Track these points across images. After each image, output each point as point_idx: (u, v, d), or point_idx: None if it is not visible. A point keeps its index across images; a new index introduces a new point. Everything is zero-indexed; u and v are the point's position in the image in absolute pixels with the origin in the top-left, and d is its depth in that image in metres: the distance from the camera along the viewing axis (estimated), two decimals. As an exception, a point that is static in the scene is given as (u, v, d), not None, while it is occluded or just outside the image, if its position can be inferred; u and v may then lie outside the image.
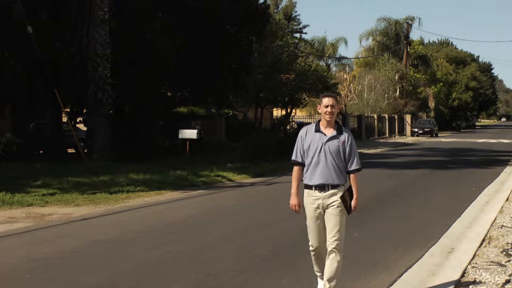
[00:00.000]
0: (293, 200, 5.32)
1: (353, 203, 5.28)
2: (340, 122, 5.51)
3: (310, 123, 32.22)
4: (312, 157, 5.24)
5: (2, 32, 17.78)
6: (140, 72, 20.34)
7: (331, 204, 5.20)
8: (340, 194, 5.22)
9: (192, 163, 17.41)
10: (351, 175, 5.31)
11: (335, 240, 5.24)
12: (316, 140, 5.24)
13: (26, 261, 6.99)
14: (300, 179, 5.36)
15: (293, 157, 5.39)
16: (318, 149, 5.22)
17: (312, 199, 5.27)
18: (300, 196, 5.36)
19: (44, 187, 13.38)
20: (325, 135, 5.25)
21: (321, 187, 5.22)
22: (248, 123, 32.62)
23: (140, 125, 23.07)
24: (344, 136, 5.27)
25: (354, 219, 9.83)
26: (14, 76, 19.16)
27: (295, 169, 5.37)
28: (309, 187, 5.30)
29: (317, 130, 5.29)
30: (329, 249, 5.26)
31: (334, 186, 5.22)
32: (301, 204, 5.35)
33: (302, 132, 5.38)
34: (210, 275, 6.28)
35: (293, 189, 5.34)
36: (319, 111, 5.34)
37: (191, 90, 25.44)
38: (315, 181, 5.22)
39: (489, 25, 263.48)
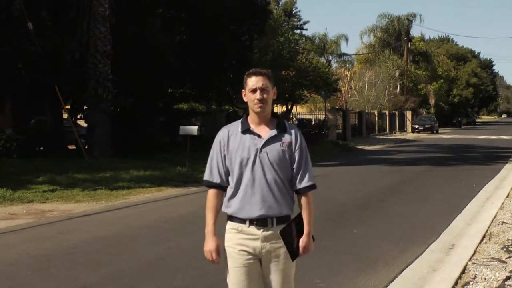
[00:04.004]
0: (208, 245, 3.40)
1: (302, 242, 3.39)
2: (280, 115, 3.63)
3: (310, 120, 31.78)
4: (242, 174, 3.38)
5: (2, 28, 17.76)
6: (141, 68, 20.34)
7: (277, 250, 3.38)
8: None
9: (193, 160, 17.40)
10: (302, 197, 3.45)
11: None
12: (245, 146, 3.39)
13: (26, 257, 7.00)
14: (219, 209, 3.48)
15: (206, 176, 3.48)
16: (251, 159, 3.36)
17: (242, 240, 3.38)
18: (219, 237, 3.46)
19: (44, 183, 13.39)
20: (259, 136, 3.40)
21: (261, 222, 3.35)
22: (249, 120, 32.57)
23: (140, 122, 23.08)
24: (290, 135, 3.44)
25: (355, 216, 9.87)
26: (14, 72, 19.14)
27: (211, 194, 3.47)
28: (238, 220, 3.40)
29: (246, 130, 3.43)
30: None
31: (280, 219, 3.37)
32: (220, 250, 3.42)
33: (221, 135, 3.49)
34: (210, 271, 6.28)
35: (208, 227, 3.44)
36: (245, 99, 3.51)
37: (191, 87, 25.44)
38: (251, 212, 3.34)
39: (490, 21, 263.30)
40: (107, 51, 19.14)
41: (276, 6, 44.10)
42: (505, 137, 40.38)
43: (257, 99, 3.40)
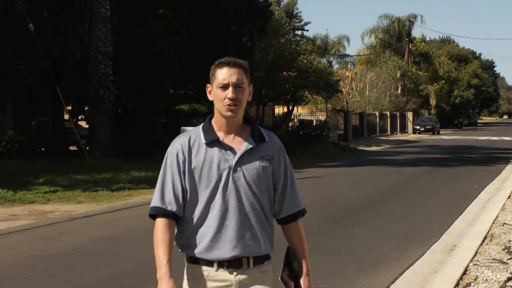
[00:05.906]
0: None
1: (304, 285, 2.61)
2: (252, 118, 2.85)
3: (311, 120, 31.68)
4: (210, 200, 2.54)
5: (4, 29, 17.79)
6: (142, 69, 20.37)
7: None
8: (270, 274, 2.61)
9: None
10: (290, 227, 2.66)
11: None
12: (213, 164, 2.55)
13: (28, 258, 7.00)
14: (173, 243, 2.54)
15: (155, 202, 2.55)
16: (223, 182, 2.54)
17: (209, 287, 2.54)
18: (176, 279, 2.46)
19: (46, 184, 13.41)
20: (231, 149, 2.57)
21: (234, 264, 2.53)
22: (250, 120, 32.57)
23: (141, 122, 23.07)
24: (271, 146, 2.64)
25: (356, 216, 9.87)
26: (15, 73, 19.16)
27: (161, 224, 2.52)
28: (204, 263, 2.55)
29: (213, 140, 2.57)
30: None
31: (260, 260, 2.57)
32: None
33: (178, 146, 2.63)
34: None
35: (161, 268, 2.44)
36: (210, 98, 2.62)
37: (192, 87, 25.46)
38: (221, 251, 2.52)
39: (491, 22, 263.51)
40: (108, 52, 19.16)
41: (277, 7, 44.14)
42: (506, 138, 40.34)
43: (229, 98, 2.52)
